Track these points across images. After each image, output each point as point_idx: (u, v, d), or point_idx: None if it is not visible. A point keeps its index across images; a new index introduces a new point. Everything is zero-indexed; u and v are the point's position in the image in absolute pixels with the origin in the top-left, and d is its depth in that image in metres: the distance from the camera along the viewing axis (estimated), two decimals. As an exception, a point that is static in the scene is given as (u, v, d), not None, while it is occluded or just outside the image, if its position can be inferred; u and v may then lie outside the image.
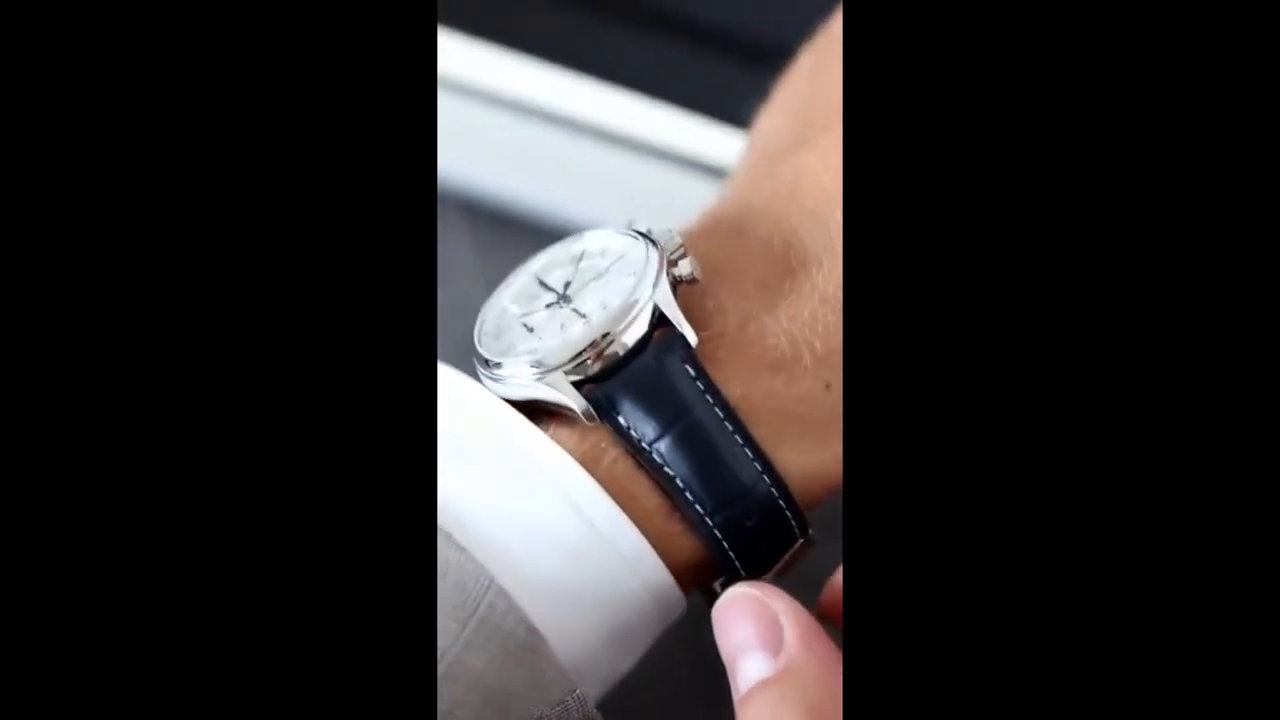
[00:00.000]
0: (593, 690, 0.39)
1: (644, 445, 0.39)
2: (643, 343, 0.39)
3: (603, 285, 0.40)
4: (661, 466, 0.39)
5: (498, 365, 0.40)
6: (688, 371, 0.39)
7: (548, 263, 0.42)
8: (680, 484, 0.39)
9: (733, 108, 0.49)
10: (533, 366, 0.39)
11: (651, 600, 0.39)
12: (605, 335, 0.39)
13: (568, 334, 0.40)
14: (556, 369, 0.39)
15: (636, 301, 0.39)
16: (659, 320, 0.39)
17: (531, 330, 0.40)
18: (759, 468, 0.39)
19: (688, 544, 0.39)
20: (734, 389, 0.39)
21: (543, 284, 0.42)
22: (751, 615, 0.36)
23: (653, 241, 0.40)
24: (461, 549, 0.37)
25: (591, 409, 0.39)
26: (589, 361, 0.39)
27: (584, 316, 0.40)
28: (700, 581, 0.41)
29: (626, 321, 0.39)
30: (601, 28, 0.58)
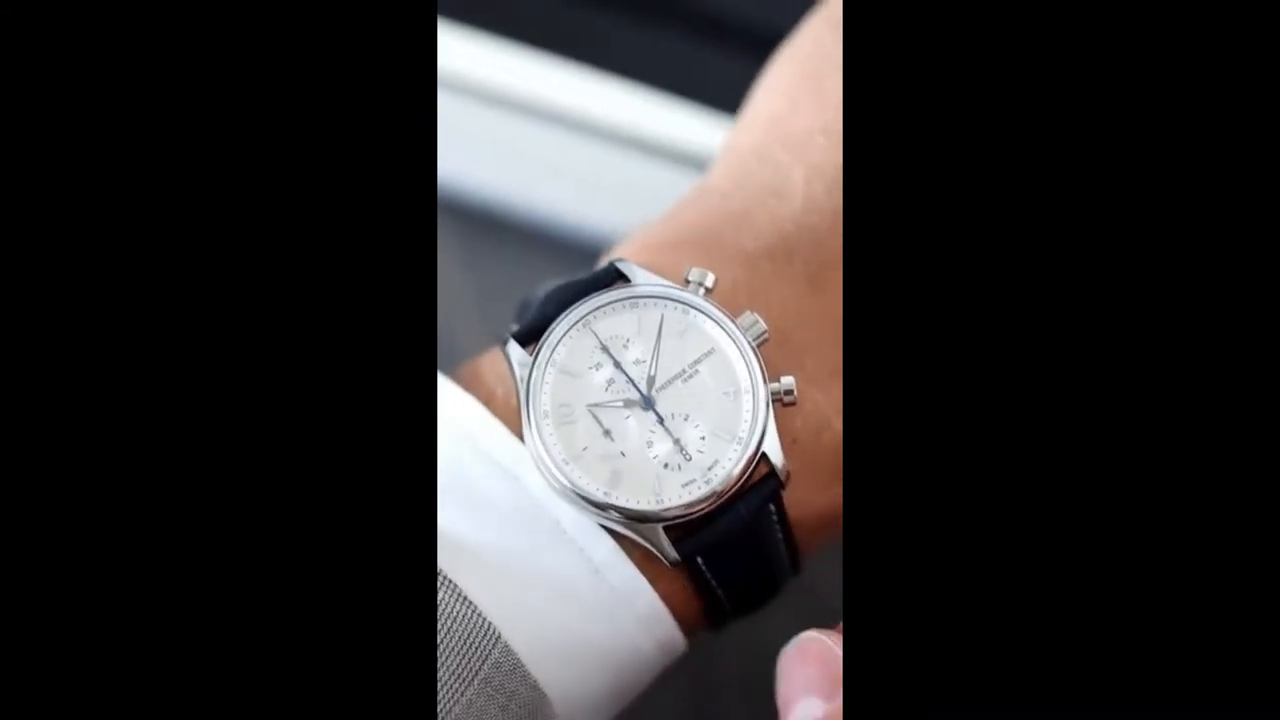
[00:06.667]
0: None
1: (705, 576, 0.37)
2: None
3: (698, 404, 0.36)
4: (708, 580, 0.37)
5: (598, 505, 0.36)
6: (772, 517, 0.37)
7: (608, 318, 0.37)
8: (716, 588, 0.38)
9: (731, 99, 0.44)
10: (633, 520, 0.36)
11: (659, 655, 0.38)
12: (719, 494, 0.36)
13: (666, 482, 0.36)
14: (656, 522, 0.36)
15: (750, 450, 0.36)
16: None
17: (608, 434, 0.36)
18: (789, 568, 0.39)
19: (691, 598, 0.38)
20: (795, 500, 0.37)
21: (608, 353, 0.37)
22: (815, 659, 0.36)
23: (734, 326, 0.37)
24: (469, 603, 0.35)
25: (680, 560, 0.36)
26: (692, 512, 0.36)
27: (682, 450, 0.36)
28: (694, 624, 0.40)
29: (741, 478, 0.36)
30: (596, 18, 0.51)
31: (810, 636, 0.36)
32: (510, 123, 0.51)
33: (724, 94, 0.48)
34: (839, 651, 0.35)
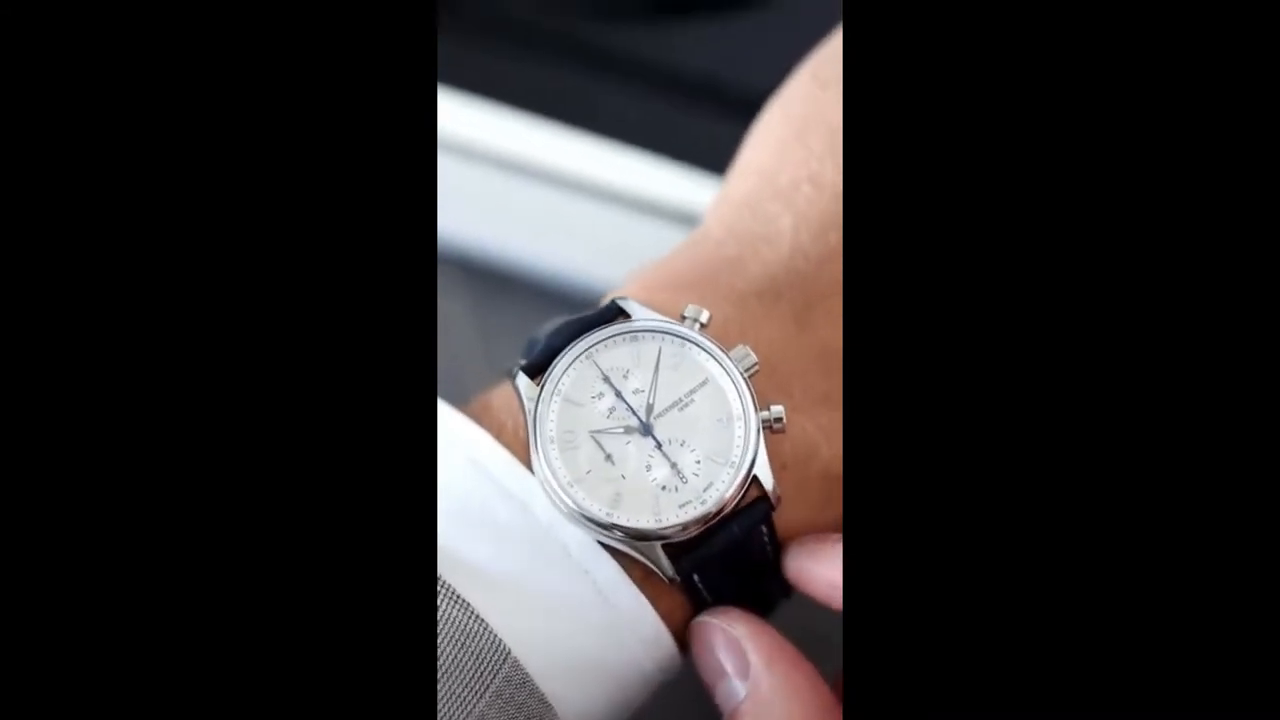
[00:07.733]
0: None
1: (701, 593, 0.39)
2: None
3: (693, 430, 0.39)
4: (704, 597, 0.40)
5: (601, 525, 0.38)
6: (764, 537, 0.39)
7: (609, 351, 0.39)
8: (708, 598, 0.40)
9: (717, 159, 0.47)
10: (634, 539, 0.38)
11: (658, 674, 0.40)
12: (714, 514, 0.38)
13: (664, 503, 0.38)
14: (655, 540, 0.38)
15: (742, 473, 0.38)
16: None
17: (609, 458, 0.38)
18: (781, 589, 0.41)
19: (688, 614, 0.40)
20: (786, 522, 0.40)
21: (610, 383, 0.39)
22: (718, 644, 0.39)
23: (726, 356, 0.39)
24: (481, 620, 0.37)
25: (677, 577, 0.38)
26: (689, 531, 0.38)
27: (679, 473, 0.38)
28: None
29: (734, 499, 0.38)
30: (598, 84, 0.53)
31: (704, 622, 0.39)
32: (515, 185, 0.54)
33: (711, 155, 0.51)
34: (736, 631, 0.38)
